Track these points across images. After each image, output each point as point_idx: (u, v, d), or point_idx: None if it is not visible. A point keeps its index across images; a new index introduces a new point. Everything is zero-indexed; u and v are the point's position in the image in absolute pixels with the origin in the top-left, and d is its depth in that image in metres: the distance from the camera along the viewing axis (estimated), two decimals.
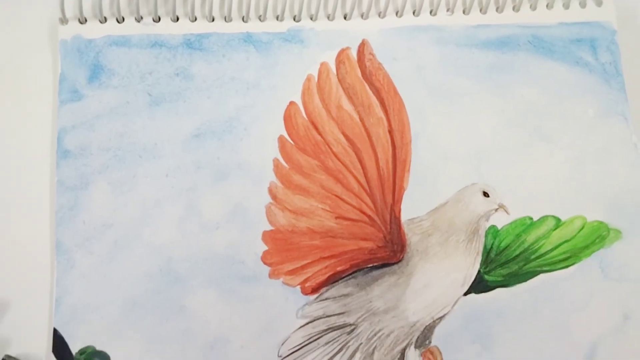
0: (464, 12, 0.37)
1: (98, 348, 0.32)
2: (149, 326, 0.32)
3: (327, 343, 0.32)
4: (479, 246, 0.34)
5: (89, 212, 0.33)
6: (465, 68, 0.37)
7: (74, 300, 0.32)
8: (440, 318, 0.33)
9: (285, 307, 0.33)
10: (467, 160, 0.35)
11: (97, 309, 0.32)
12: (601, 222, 0.35)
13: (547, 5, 0.38)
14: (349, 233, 0.34)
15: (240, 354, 0.32)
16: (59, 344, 0.32)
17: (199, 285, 0.33)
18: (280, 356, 0.32)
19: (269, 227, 0.34)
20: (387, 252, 0.34)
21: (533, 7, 0.38)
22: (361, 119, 0.36)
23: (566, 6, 0.38)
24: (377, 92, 0.36)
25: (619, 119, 0.37)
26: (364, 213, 0.34)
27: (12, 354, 0.32)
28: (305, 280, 0.33)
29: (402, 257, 0.34)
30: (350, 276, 0.33)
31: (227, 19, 0.36)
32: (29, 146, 0.35)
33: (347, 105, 0.36)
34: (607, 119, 0.36)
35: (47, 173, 0.34)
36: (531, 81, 0.37)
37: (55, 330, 0.32)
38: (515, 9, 0.37)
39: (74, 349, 0.32)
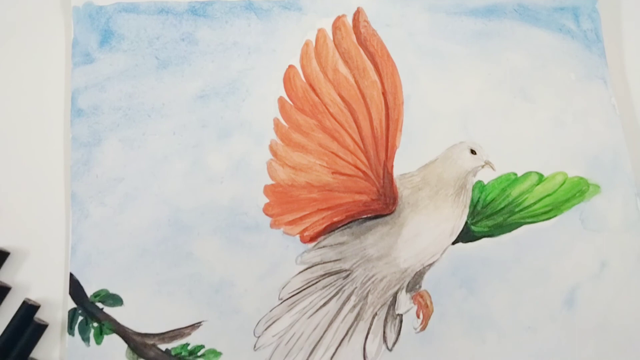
0: None
1: (111, 291, 0.34)
2: (158, 271, 0.34)
3: (324, 287, 0.35)
4: (466, 199, 0.37)
5: (102, 167, 0.36)
6: (454, 34, 0.39)
7: (88, 247, 0.35)
8: (430, 265, 0.35)
9: (286, 255, 0.35)
10: (456, 120, 0.38)
11: (110, 255, 0.35)
12: (581, 178, 0.37)
13: None
14: (345, 187, 0.36)
15: (243, 297, 0.34)
16: (75, 288, 0.34)
17: (205, 234, 0.35)
18: (281, 299, 0.35)
19: (270, 182, 0.36)
20: (380, 204, 0.36)
21: None
22: (356, 82, 0.38)
23: None
24: (372, 57, 0.38)
25: (598, 82, 0.39)
26: (358, 169, 0.37)
27: (32, 298, 0.35)
28: (304, 230, 0.36)
29: (394, 209, 0.36)
30: (346, 226, 0.36)
31: None
32: (45, 106, 0.37)
33: (343, 69, 0.38)
34: (588, 82, 0.39)
35: (62, 130, 0.37)
36: (516, 47, 0.39)
37: (71, 275, 0.34)
38: None
39: (89, 292, 0.34)
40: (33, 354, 0.34)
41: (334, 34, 0.38)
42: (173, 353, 0.33)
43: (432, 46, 0.39)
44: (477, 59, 0.39)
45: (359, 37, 0.38)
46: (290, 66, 0.38)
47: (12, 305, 0.35)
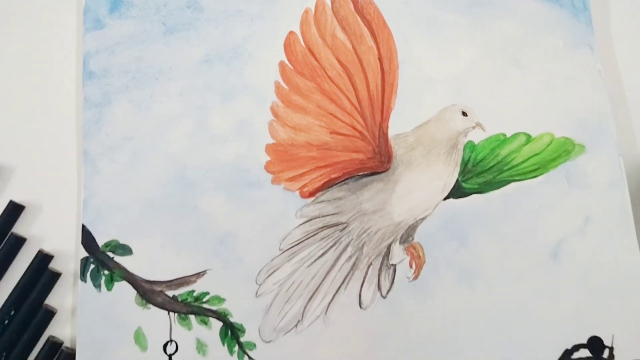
0: None
1: (121, 242, 0.36)
2: (166, 223, 0.36)
3: (322, 239, 0.37)
4: (457, 158, 0.38)
5: (112, 126, 0.38)
6: (448, 3, 0.41)
7: (99, 201, 0.37)
8: (422, 219, 0.37)
9: (286, 209, 0.37)
10: (449, 84, 0.40)
11: (120, 208, 0.37)
12: (567, 138, 0.39)
13: None
14: (342, 146, 0.38)
15: (246, 247, 0.36)
16: (87, 238, 0.36)
17: (210, 190, 0.37)
18: (281, 250, 0.36)
19: (271, 141, 0.38)
20: (376, 162, 0.38)
21: None
22: (353, 47, 0.40)
23: None
24: (368, 24, 0.40)
25: (585, 49, 0.41)
26: (355, 129, 0.39)
27: (46, 249, 0.37)
28: (304, 186, 0.38)
29: (389, 167, 0.38)
30: (343, 183, 0.38)
31: None
32: (58, 68, 0.39)
33: (341, 35, 0.40)
34: (575, 49, 0.41)
35: (74, 92, 0.39)
36: (508, 15, 0.41)
37: (83, 227, 0.36)
38: None
39: (100, 242, 0.36)
40: (47, 301, 0.36)
41: (333, 1, 0.40)
42: (180, 299, 0.36)
43: (426, 14, 0.40)
44: (470, 27, 0.40)
45: (356, 5, 0.40)
46: (291, 32, 0.40)
47: (27, 255, 0.37)
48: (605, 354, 0.36)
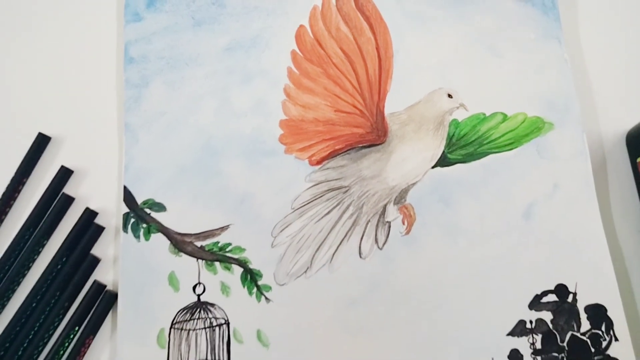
0: None
1: (156, 200, 0.42)
2: (194, 185, 0.43)
3: (327, 200, 0.43)
4: (443, 133, 0.45)
5: (149, 103, 0.44)
6: (435, 1, 0.47)
7: (138, 166, 0.43)
8: (413, 184, 0.44)
9: (297, 174, 0.43)
10: (436, 70, 0.46)
11: (155, 172, 0.43)
12: (538, 117, 0.45)
13: None
14: (345, 122, 0.45)
15: (263, 206, 0.43)
16: (128, 197, 0.42)
17: (232, 157, 0.43)
18: (293, 208, 0.43)
19: (284, 117, 0.44)
20: (374, 136, 0.44)
21: None
22: (355, 38, 0.46)
23: None
24: (367, 19, 0.47)
25: (554, 41, 0.47)
26: (356, 108, 0.45)
27: (92, 207, 0.43)
28: (312, 156, 0.44)
29: (385, 140, 0.44)
30: (345, 153, 0.44)
31: None
32: (104, 55, 0.46)
33: (344, 28, 0.46)
34: (545, 41, 0.47)
35: (117, 75, 0.45)
36: (487, 11, 0.47)
37: (125, 187, 0.42)
38: None
39: (139, 200, 0.42)
40: (92, 251, 0.43)
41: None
42: (206, 249, 0.42)
43: (417, 11, 0.47)
44: (454, 21, 0.47)
45: (357, 3, 0.47)
46: (301, 26, 0.46)
47: (75, 212, 0.43)
48: (570, 298, 0.42)
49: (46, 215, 0.43)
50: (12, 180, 0.43)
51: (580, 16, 0.49)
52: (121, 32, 0.46)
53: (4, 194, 0.43)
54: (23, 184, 0.43)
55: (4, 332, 0.41)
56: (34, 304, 0.41)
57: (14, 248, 0.42)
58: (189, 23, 0.46)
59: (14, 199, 0.43)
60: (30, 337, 0.41)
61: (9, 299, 0.42)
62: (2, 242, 0.42)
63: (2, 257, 0.42)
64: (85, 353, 0.41)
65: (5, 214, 0.43)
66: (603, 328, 0.41)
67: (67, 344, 0.41)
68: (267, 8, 0.46)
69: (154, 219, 0.42)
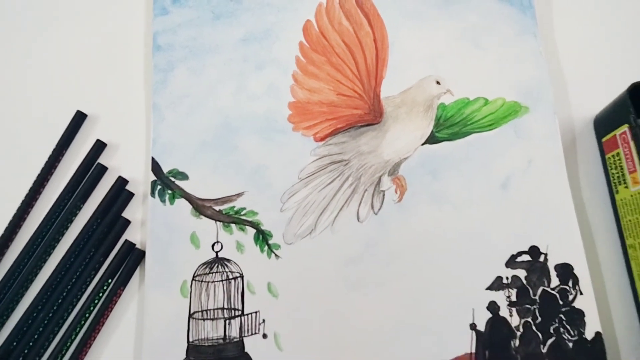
0: None
1: (180, 170, 0.48)
2: (214, 157, 0.49)
3: (330, 171, 0.49)
4: (432, 115, 0.51)
5: (174, 86, 0.50)
6: (427, 0, 0.54)
7: (164, 140, 0.49)
8: (405, 158, 0.50)
9: (303, 149, 0.49)
10: (426, 60, 0.52)
11: (179, 146, 0.49)
12: (515, 102, 0.51)
13: None
14: (346, 104, 0.51)
15: (273, 176, 0.48)
16: (155, 167, 0.48)
17: (247, 134, 0.49)
18: (300, 178, 0.49)
19: (292, 100, 0.51)
20: (371, 117, 0.51)
21: None
22: (355, 32, 0.52)
23: None
24: (366, 15, 0.53)
25: (530, 36, 0.53)
26: (355, 92, 0.51)
27: (123, 176, 0.49)
28: (316, 133, 0.50)
29: (381, 120, 0.50)
30: (346, 131, 0.50)
31: None
32: (135, 44, 0.52)
33: (345, 23, 0.53)
34: (523, 37, 0.53)
35: (146, 60, 0.51)
36: (472, 10, 0.54)
37: (153, 159, 0.48)
38: None
39: (165, 170, 0.48)
40: (124, 214, 0.48)
41: None
42: (224, 212, 0.48)
43: (410, 8, 0.53)
44: (443, 18, 0.53)
45: (357, 1, 0.53)
46: (308, 20, 0.52)
47: (109, 181, 0.49)
48: (541, 258, 0.48)
49: (83, 183, 0.49)
50: (53, 151, 0.49)
51: (554, 14, 0.55)
52: (150, 24, 0.52)
53: (46, 164, 0.49)
54: (63, 154, 0.49)
55: (46, 282, 0.46)
56: (72, 260, 0.47)
57: (54, 211, 0.48)
58: (209, 17, 0.52)
59: (55, 167, 0.49)
60: (69, 287, 0.46)
61: (50, 254, 0.47)
62: (44, 205, 0.48)
63: (44, 219, 0.48)
64: (117, 302, 0.46)
65: (47, 180, 0.49)
66: (570, 284, 0.47)
67: (101, 294, 0.46)
68: (278, 5, 0.53)
69: (177, 186, 0.48)
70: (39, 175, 0.49)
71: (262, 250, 0.47)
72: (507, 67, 0.52)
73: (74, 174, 0.49)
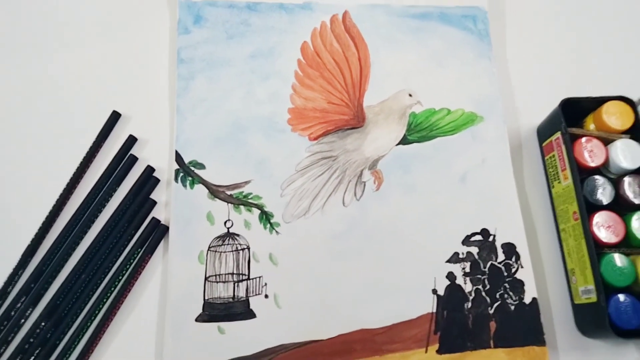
0: None
1: (199, 161, 0.59)
2: (227, 151, 0.59)
3: (321, 165, 0.60)
4: (405, 121, 0.62)
5: (194, 92, 0.61)
6: (401, 28, 0.65)
7: (186, 136, 0.59)
8: (382, 156, 0.61)
9: (299, 146, 0.60)
10: (401, 76, 0.64)
11: (198, 142, 0.59)
12: (472, 112, 0.63)
13: None
14: (335, 111, 0.62)
15: (275, 167, 0.59)
16: (178, 158, 0.59)
17: (254, 132, 0.60)
18: (296, 170, 0.59)
19: (291, 106, 0.62)
20: (355, 121, 0.62)
21: None
22: (343, 52, 0.64)
23: None
24: (353, 39, 0.64)
25: (486, 59, 0.65)
26: (343, 101, 0.62)
27: (152, 165, 0.59)
28: (310, 134, 0.61)
29: (363, 124, 0.62)
30: (335, 133, 0.61)
31: None
32: (162, 57, 0.63)
33: (335, 44, 0.64)
34: (480, 59, 0.65)
35: (170, 70, 0.62)
36: (438, 37, 0.65)
37: (176, 151, 0.59)
38: None
39: (186, 160, 0.59)
40: (151, 196, 0.59)
41: (331, 24, 0.64)
42: (234, 196, 0.58)
43: (388, 35, 0.65)
44: (414, 43, 0.65)
45: (345, 27, 0.65)
46: (305, 41, 0.64)
47: (139, 169, 0.59)
48: (491, 238, 0.59)
49: (117, 170, 0.59)
50: (93, 144, 0.59)
51: (507, 42, 0.68)
52: (175, 41, 0.63)
53: (86, 155, 0.59)
54: (101, 146, 0.60)
55: (86, 251, 0.56)
56: (108, 233, 0.57)
57: (93, 193, 0.58)
58: (224, 36, 0.63)
59: (94, 157, 0.59)
60: (106, 255, 0.56)
61: (89, 227, 0.57)
62: (85, 189, 0.58)
63: (84, 200, 0.58)
64: (145, 267, 0.56)
65: (88, 167, 0.59)
66: (513, 259, 0.59)
67: (132, 261, 0.56)
68: (281, 28, 0.64)
69: (196, 174, 0.58)
70: (81, 163, 0.59)
71: (265, 227, 0.58)
72: (466, 83, 0.64)
73: (110, 163, 0.59)
